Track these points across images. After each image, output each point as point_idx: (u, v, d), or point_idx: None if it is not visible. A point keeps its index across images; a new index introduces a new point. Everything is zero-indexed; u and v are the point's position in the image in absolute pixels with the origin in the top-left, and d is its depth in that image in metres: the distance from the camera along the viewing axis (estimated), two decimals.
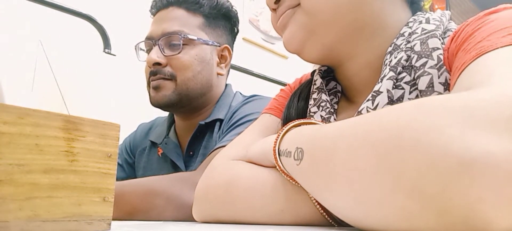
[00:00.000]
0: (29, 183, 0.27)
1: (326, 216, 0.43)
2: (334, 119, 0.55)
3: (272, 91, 0.80)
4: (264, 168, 0.51)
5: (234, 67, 1.69)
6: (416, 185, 0.25)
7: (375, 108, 0.47)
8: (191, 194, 0.59)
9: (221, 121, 0.94)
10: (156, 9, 0.97)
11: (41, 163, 0.27)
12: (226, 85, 1.04)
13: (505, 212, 0.23)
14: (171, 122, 1.04)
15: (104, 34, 1.49)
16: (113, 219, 0.32)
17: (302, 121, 0.46)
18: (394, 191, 0.27)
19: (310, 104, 0.58)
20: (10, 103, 0.30)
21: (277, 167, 0.44)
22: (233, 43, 1.06)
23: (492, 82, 0.30)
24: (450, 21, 0.53)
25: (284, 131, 0.45)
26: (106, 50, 1.48)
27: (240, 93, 1.05)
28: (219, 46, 0.99)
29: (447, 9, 3.98)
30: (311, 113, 0.57)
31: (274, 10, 0.57)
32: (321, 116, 0.55)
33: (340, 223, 0.43)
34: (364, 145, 0.30)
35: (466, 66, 0.38)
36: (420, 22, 0.51)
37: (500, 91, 0.27)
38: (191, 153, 0.97)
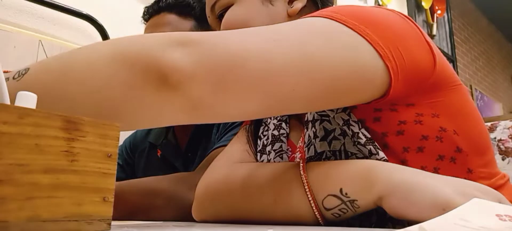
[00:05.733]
0: (29, 183, 0.27)
1: (316, 212, 0.44)
2: (286, 125, 0.61)
3: None
4: (259, 164, 0.53)
5: None
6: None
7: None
8: (190, 194, 0.59)
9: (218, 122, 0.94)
10: (148, 15, 0.98)
11: (41, 163, 0.27)
12: None
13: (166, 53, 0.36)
14: None
15: (104, 34, 1.49)
16: (113, 219, 0.32)
17: None
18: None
19: None
20: (10, 104, 0.30)
21: None
22: None
23: None
24: None
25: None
26: None
27: None
28: None
29: (447, 10, 3.98)
30: (266, 121, 0.62)
31: None
32: (274, 124, 0.61)
33: (327, 220, 0.44)
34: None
35: None
36: None
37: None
38: (189, 154, 0.97)
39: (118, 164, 1.05)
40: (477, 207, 0.33)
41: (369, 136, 0.48)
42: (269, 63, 0.39)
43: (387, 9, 0.50)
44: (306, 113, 0.53)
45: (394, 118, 0.47)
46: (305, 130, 0.53)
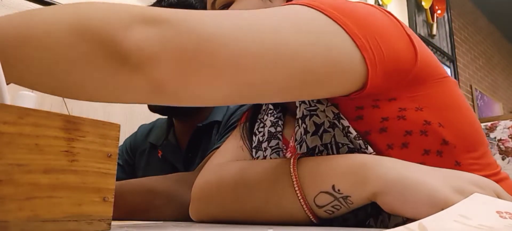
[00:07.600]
0: (29, 183, 0.27)
1: (307, 211, 0.43)
2: (281, 123, 0.61)
3: None
4: (251, 163, 0.53)
5: None
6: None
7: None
8: (190, 194, 0.59)
9: (219, 123, 0.94)
10: None
11: (41, 163, 0.27)
12: None
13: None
14: (170, 124, 1.04)
15: None
16: (113, 219, 0.32)
17: None
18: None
19: (263, 111, 0.65)
20: (10, 103, 0.30)
21: None
22: None
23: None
24: None
25: None
26: None
27: None
28: None
29: (447, 10, 3.98)
30: (261, 118, 0.62)
31: None
32: (271, 121, 0.60)
33: (320, 219, 0.44)
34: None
35: None
36: None
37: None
38: (190, 154, 0.97)
39: (118, 164, 1.05)
40: (477, 203, 0.33)
41: (358, 131, 0.48)
42: (241, 50, 0.37)
43: (366, 4, 0.50)
44: (297, 110, 0.53)
45: (377, 115, 0.47)
46: (297, 127, 0.53)
